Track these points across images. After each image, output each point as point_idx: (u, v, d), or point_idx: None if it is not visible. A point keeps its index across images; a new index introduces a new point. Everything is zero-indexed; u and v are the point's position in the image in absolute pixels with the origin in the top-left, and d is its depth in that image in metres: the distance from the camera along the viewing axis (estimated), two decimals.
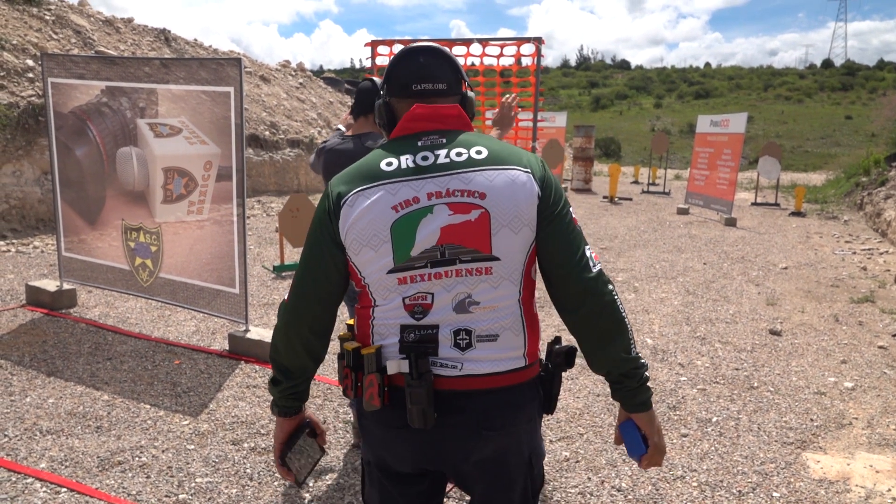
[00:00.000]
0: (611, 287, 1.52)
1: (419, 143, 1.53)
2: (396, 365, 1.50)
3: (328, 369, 4.51)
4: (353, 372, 1.55)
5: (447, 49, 1.64)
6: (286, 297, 1.61)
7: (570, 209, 1.54)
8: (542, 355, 1.65)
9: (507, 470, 1.57)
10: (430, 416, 1.46)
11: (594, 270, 1.51)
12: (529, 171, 1.50)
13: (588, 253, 1.52)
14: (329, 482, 3.15)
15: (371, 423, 1.59)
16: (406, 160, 1.51)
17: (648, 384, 1.58)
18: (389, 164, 1.51)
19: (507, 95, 3.06)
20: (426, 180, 1.48)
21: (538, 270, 1.58)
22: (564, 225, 1.50)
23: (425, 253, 1.47)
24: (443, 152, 1.51)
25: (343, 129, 3.31)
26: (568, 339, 1.67)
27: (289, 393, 1.63)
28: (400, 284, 1.49)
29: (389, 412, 1.52)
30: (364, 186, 1.50)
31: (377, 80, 3.06)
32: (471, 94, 1.67)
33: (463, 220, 1.46)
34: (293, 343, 1.60)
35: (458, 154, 1.50)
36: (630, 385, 1.55)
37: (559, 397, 1.77)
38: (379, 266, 1.49)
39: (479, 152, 1.51)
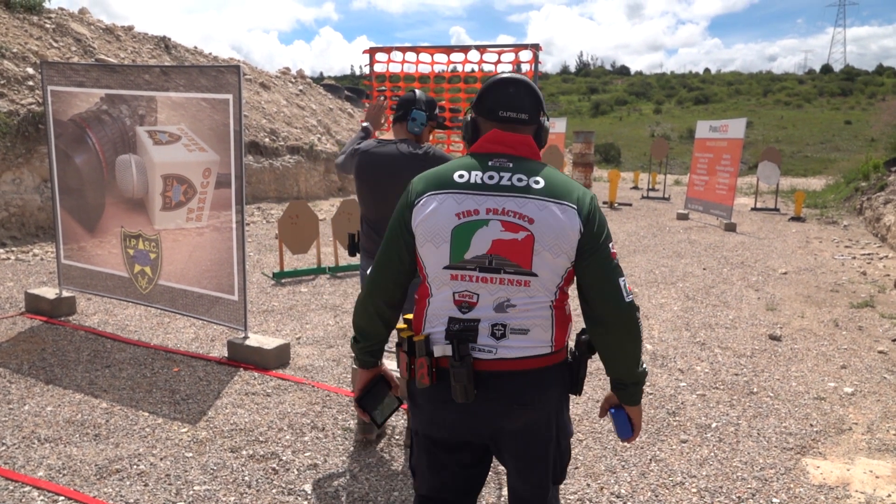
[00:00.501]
0: (638, 315, 1.80)
1: (489, 163, 1.80)
2: (442, 349, 1.79)
3: (327, 376, 4.50)
4: (408, 356, 1.84)
5: (533, 83, 1.89)
6: (370, 272, 1.93)
7: (611, 245, 1.79)
8: (572, 344, 1.92)
9: (536, 441, 1.86)
10: (470, 392, 1.75)
11: (627, 299, 1.77)
12: (576, 207, 1.75)
13: (622, 284, 1.78)
14: (329, 490, 3.14)
15: (422, 400, 1.88)
16: (475, 176, 1.78)
17: (644, 387, 1.90)
18: (461, 176, 1.79)
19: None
20: (488, 197, 1.75)
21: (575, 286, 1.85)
22: (602, 258, 1.76)
23: (476, 259, 1.76)
24: (507, 175, 1.77)
25: (369, 127, 3.51)
26: None
27: (365, 350, 1.98)
28: (452, 280, 1.78)
29: (437, 389, 1.81)
30: (437, 191, 1.79)
31: (418, 91, 3.30)
32: (546, 124, 1.90)
33: (511, 237, 1.73)
34: (370, 311, 1.93)
35: (520, 180, 1.76)
36: (633, 390, 1.88)
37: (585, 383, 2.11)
38: (437, 260, 1.79)
39: (536, 182, 1.76)
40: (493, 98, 1.84)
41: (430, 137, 3.53)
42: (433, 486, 1.98)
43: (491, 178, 1.78)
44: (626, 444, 2.01)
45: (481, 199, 1.76)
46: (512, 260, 1.74)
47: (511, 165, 1.79)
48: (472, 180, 1.78)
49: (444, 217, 1.76)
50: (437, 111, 3.34)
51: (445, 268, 1.78)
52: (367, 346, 1.97)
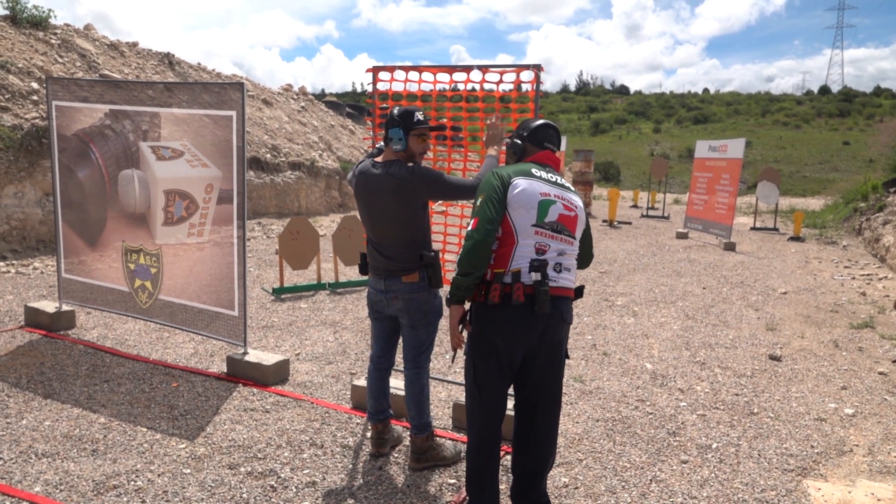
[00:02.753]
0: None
1: (547, 169, 2.91)
2: (531, 277, 2.70)
3: (326, 393, 4.49)
4: (500, 286, 2.71)
5: (558, 128, 3.06)
6: (470, 228, 2.74)
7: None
8: None
9: (562, 351, 2.87)
10: (548, 304, 2.68)
11: (594, 250, 3.12)
12: (581, 203, 2.95)
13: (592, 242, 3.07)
14: None
15: (503, 318, 2.73)
16: (543, 174, 2.85)
17: None
18: (536, 171, 2.84)
19: (490, 119, 3.57)
20: (554, 187, 2.83)
21: None
22: (589, 230, 3.03)
23: (549, 223, 2.77)
24: (558, 178, 2.91)
25: (495, 155, 3.48)
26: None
27: (470, 285, 2.75)
28: (535, 234, 2.75)
29: (523, 307, 2.70)
30: (521, 176, 2.80)
31: (395, 109, 3.26)
32: (560, 152, 3.10)
33: (568, 214, 2.83)
34: (482, 254, 2.72)
35: (564, 182, 2.91)
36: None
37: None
38: (527, 221, 2.74)
39: (570, 186, 2.93)
40: (542, 133, 2.99)
41: (424, 147, 3.32)
42: (495, 393, 2.83)
43: (552, 177, 2.87)
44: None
45: (551, 188, 2.81)
46: (567, 227, 2.81)
47: (556, 174, 2.92)
48: (543, 176, 2.83)
49: (533, 193, 2.75)
50: (415, 118, 3.20)
51: (533, 225, 2.74)
52: (473, 280, 2.73)
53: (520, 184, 2.74)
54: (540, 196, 2.75)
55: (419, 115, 3.21)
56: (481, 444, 2.86)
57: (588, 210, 18.26)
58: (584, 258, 3.04)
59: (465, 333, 2.91)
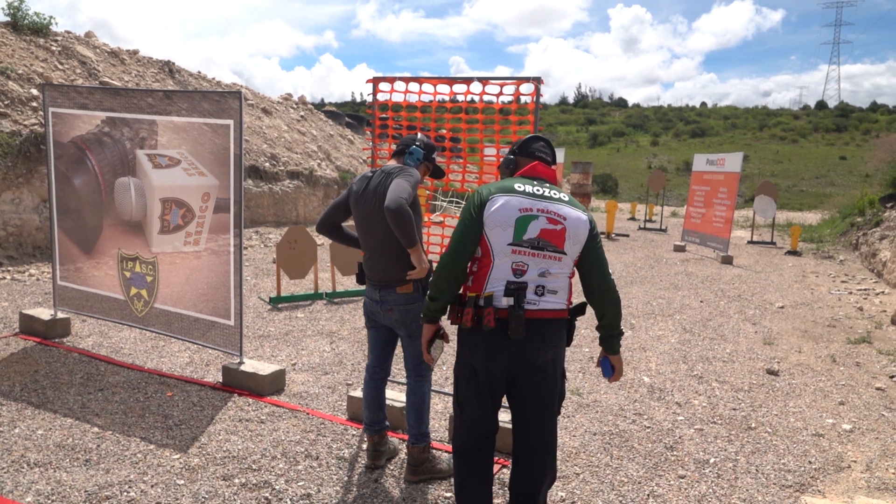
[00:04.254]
0: (615, 286, 2.76)
1: (534, 182, 2.74)
2: (506, 301, 2.59)
3: (322, 404, 4.46)
4: (473, 310, 2.62)
5: (551, 141, 2.96)
6: (443, 252, 2.74)
7: (601, 242, 2.78)
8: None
9: (552, 374, 2.73)
10: (522, 330, 2.57)
11: (610, 274, 2.75)
12: (586, 215, 2.72)
13: (608, 267, 2.76)
14: None
15: (479, 341, 2.66)
16: (528, 187, 2.69)
17: (621, 340, 2.92)
18: (519, 186, 2.68)
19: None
20: (538, 200, 2.65)
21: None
22: (598, 247, 2.75)
23: (529, 240, 2.60)
24: (546, 190, 2.70)
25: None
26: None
27: (440, 308, 2.75)
28: (513, 254, 2.60)
29: (496, 332, 2.60)
30: (502, 193, 2.64)
31: (421, 134, 3.56)
32: (558, 165, 2.99)
33: (553, 228, 2.62)
34: (450, 276, 2.66)
35: (554, 194, 2.70)
36: (614, 341, 2.81)
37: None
38: (503, 240, 2.60)
39: (564, 197, 2.71)
40: (533, 145, 2.88)
41: (423, 180, 3.58)
42: (476, 412, 2.77)
43: (538, 190, 2.69)
44: (611, 382, 2.92)
45: (534, 202, 2.64)
46: (552, 242, 2.62)
47: (547, 185, 2.74)
48: (527, 190, 2.67)
49: (510, 210, 2.60)
50: (434, 154, 3.49)
51: (509, 244, 2.59)
52: (442, 304, 2.73)
53: (498, 200, 2.61)
54: (519, 212, 2.60)
55: (437, 156, 3.59)
56: (462, 459, 2.82)
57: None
58: (593, 289, 2.73)
59: (443, 347, 2.95)
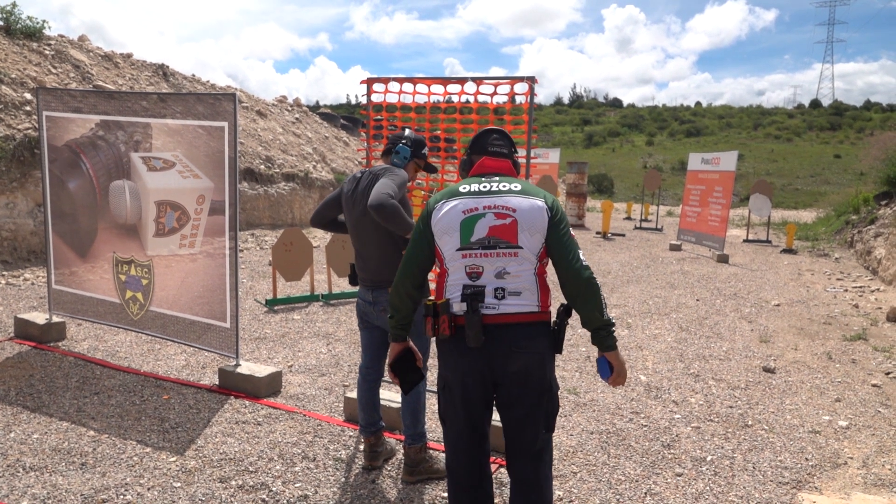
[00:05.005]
0: (589, 272, 2.43)
1: (483, 178, 2.58)
2: (459, 307, 2.43)
3: (319, 405, 4.45)
4: (433, 318, 2.45)
5: (506, 131, 2.77)
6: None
7: (569, 227, 2.50)
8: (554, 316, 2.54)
9: (532, 383, 2.47)
10: (479, 337, 2.38)
11: (582, 262, 2.44)
12: (544, 200, 2.48)
13: (579, 254, 2.45)
14: None
15: (444, 350, 2.52)
16: (474, 186, 2.54)
17: (614, 334, 2.49)
18: (464, 188, 2.54)
19: None
20: (484, 198, 2.49)
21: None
22: (563, 233, 2.46)
23: (479, 241, 2.44)
24: (495, 184, 2.53)
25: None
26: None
27: (399, 325, 2.63)
28: (463, 258, 2.45)
29: (455, 341, 2.45)
30: (448, 199, 2.52)
31: (408, 130, 3.52)
32: (517, 159, 2.77)
33: (501, 223, 2.43)
34: (401, 292, 2.59)
35: (504, 186, 2.52)
36: (602, 335, 2.47)
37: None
38: (451, 246, 2.47)
39: (515, 187, 2.51)
40: (483, 140, 2.71)
41: (414, 177, 3.60)
42: (459, 428, 2.58)
43: (485, 186, 2.53)
44: (612, 385, 2.57)
45: (479, 200, 2.48)
46: (504, 238, 2.42)
47: (497, 178, 2.57)
48: (472, 189, 2.53)
49: (455, 215, 2.47)
50: (424, 151, 3.46)
51: (458, 250, 2.46)
52: (399, 320, 2.62)
53: (442, 208, 2.49)
54: (462, 215, 2.45)
55: (427, 150, 3.50)
56: (451, 473, 2.66)
57: (581, 222, 18.49)
58: (563, 282, 2.45)
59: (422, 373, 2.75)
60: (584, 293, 2.42)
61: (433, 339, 2.58)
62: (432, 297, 2.59)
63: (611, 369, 2.50)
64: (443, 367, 2.56)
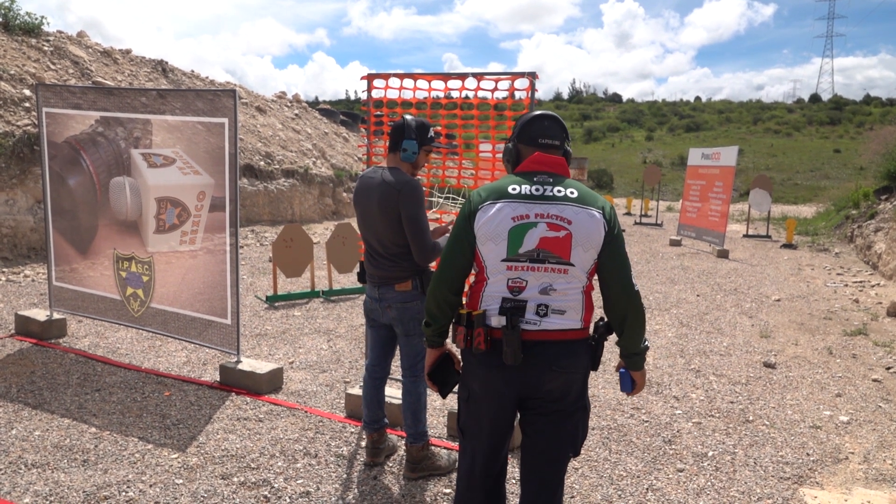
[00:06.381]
0: (640, 297, 2.27)
1: (534, 179, 2.26)
2: (497, 320, 2.21)
3: (320, 401, 4.46)
4: (465, 329, 2.26)
5: (560, 117, 2.39)
6: (433, 267, 2.45)
7: (624, 242, 2.28)
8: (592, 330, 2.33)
9: (567, 402, 2.28)
10: (518, 355, 2.16)
11: (634, 286, 2.25)
12: (602, 212, 2.22)
13: (631, 275, 2.26)
14: None
15: (476, 364, 2.29)
16: (525, 188, 2.23)
17: (645, 356, 2.37)
18: (514, 188, 2.24)
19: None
20: (536, 204, 2.20)
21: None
22: (619, 252, 2.24)
23: (527, 253, 2.19)
24: (549, 188, 2.23)
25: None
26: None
27: (436, 332, 2.42)
28: (507, 270, 2.21)
29: (490, 355, 2.24)
30: (495, 200, 2.23)
31: (408, 117, 3.32)
32: (569, 149, 2.41)
33: (554, 235, 2.18)
34: (439, 298, 2.35)
35: (559, 191, 2.22)
36: (637, 358, 2.37)
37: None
38: (496, 255, 2.21)
39: (572, 193, 2.23)
40: (534, 129, 2.35)
41: (428, 161, 3.54)
42: (476, 439, 2.38)
43: (537, 189, 2.23)
44: (629, 396, 2.61)
45: (531, 206, 2.20)
46: (555, 252, 2.18)
47: (551, 181, 2.26)
48: (523, 191, 2.23)
49: (502, 220, 2.20)
50: (430, 134, 3.30)
51: (503, 260, 2.21)
52: (437, 329, 2.42)
53: (488, 210, 2.21)
54: (512, 222, 2.18)
55: (433, 132, 3.31)
56: (463, 484, 2.46)
57: None
58: (613, 302, 2.27)
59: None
60: (632, 320, 2.27)
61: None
62: (464, 305, 2.40)
63: (632, 385, 2.42)
64: (469, 377, 2.35)
